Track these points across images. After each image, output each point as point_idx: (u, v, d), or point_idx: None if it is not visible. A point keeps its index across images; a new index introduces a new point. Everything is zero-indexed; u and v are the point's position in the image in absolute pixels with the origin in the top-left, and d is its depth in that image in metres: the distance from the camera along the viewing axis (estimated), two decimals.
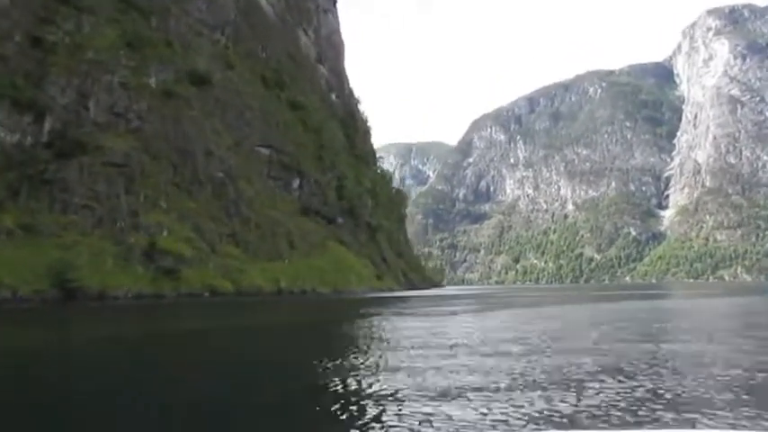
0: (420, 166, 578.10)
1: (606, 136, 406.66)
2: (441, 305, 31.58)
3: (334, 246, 75.48)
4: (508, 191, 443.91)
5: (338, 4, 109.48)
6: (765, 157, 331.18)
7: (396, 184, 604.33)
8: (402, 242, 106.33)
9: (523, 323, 17.27)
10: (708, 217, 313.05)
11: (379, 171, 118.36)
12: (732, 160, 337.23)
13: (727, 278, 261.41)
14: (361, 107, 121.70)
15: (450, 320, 18.70)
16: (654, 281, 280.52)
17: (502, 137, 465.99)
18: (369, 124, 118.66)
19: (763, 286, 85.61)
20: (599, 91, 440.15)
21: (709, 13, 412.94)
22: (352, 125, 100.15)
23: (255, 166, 71.64)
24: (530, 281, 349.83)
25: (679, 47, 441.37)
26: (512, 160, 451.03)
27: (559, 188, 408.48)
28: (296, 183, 76.10)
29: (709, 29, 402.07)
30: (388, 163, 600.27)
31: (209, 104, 68.79)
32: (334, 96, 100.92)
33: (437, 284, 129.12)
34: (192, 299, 44.22)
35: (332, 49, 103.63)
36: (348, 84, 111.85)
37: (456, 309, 26.60)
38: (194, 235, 53.10)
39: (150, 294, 43.36)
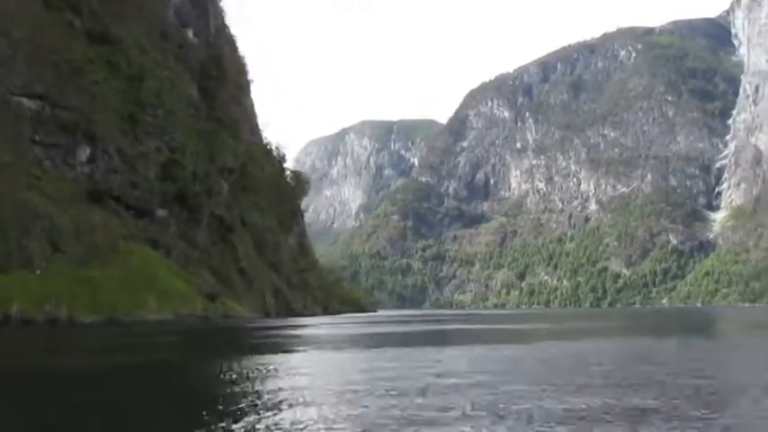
0: (402, 151, 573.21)
1: (641, 114, 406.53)
2: None
3: (138, 250, 65.22)
4: (513, 185, 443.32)
5: None
6: None
7: (370, 173, 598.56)
8: (289, 248, 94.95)
9: None
10: None
11: (267, 146, 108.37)
12: None
13: None
14: (241, 49, 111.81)
15: None
16: (699, 305, 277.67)
17: (506, 113, 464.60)
18: (250, 77, 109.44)
19: None
20: (633, 54, 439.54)
21: None
22: (216, 76, 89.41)
23: (9, 126, 61.61)
24: (538, 303, 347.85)
25: None
26: (518, 144, 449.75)
27: (579, 182, 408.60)
28: (84, 153, 66.07)
29: None
30: (360, 146, 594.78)
31: None
32: (190, 34, 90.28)
33: (363, 309, 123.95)
34: None
35: None
36: (220, 16, 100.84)
37: None
38: None
39: None
